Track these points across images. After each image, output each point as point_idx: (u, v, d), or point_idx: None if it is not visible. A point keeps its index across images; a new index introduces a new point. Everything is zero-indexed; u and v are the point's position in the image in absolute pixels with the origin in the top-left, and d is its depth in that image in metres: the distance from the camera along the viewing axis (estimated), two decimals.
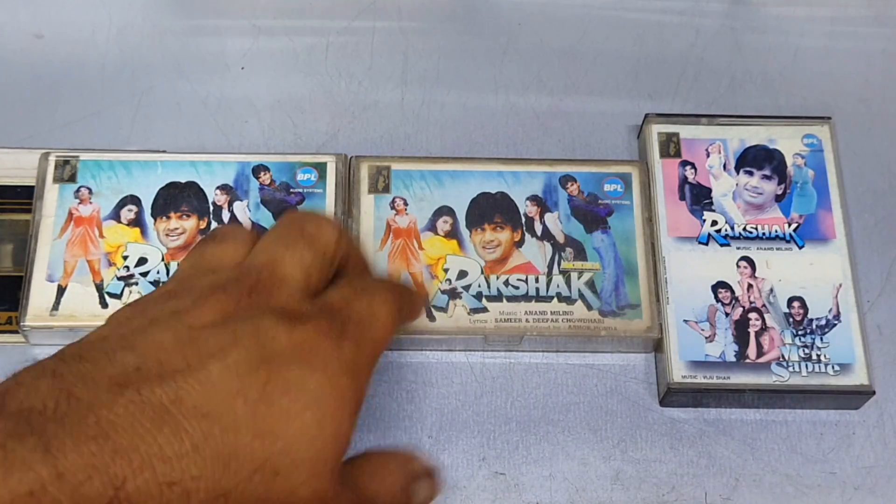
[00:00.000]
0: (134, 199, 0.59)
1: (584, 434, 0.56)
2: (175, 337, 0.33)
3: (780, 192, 0.60)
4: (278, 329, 0.34)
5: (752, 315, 0.57)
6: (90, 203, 0.59)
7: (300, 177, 0.60)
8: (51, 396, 0.31)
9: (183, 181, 0.59)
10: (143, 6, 0.68)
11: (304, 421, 0.33)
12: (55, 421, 0.30)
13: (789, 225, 0.59)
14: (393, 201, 0.59)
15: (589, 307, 0.57)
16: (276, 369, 0.33)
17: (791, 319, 0.57)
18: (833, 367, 0.56)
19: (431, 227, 0.59)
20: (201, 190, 0.59)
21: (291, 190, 0.59)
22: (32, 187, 0.59)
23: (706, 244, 0.59)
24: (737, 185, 0.60)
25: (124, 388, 0.31)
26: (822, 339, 0.56)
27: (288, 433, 0.32)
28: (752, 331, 0.57)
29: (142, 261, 0.57)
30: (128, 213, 0.58)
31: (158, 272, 0.57)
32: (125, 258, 0.57)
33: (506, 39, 0.68)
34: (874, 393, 0.56)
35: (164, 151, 0.61)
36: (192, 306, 0.35)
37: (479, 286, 0.57)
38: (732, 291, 0.57)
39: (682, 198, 0.60)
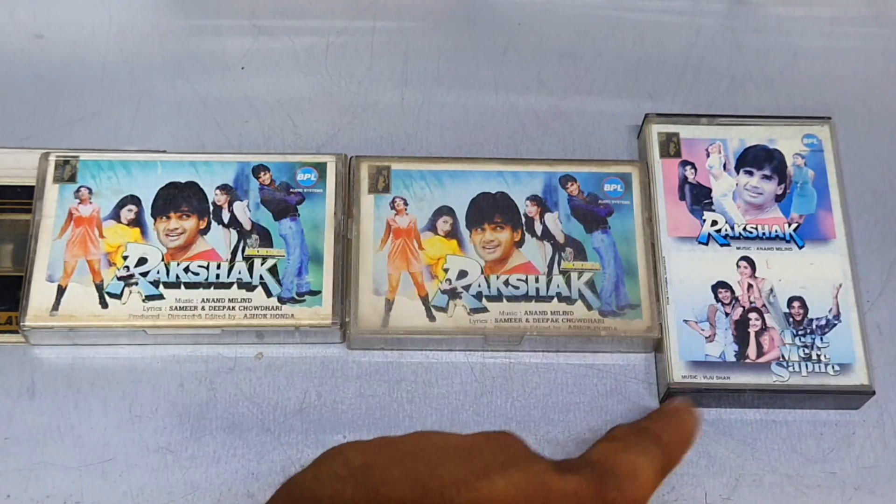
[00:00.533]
0: (134, 199, 0.59)
1: (584, 434, 0.56)
2: (459, 457, 0.37)
3: (780, 192, 0.60)
4: (548, 473, 0.37)
5: (752, 315, 0.57)
6: (90, 203, 0.59)
7: (300, 177, 0.60)
8: (357, 494, 0.35)
9: (183, 181, 0.59)
10: (143, 6, 0.68)
11: None
12: None
13: (789, 225, 0.59)
14: (393, 201, 0.59)
15: (589, 307, 0.57)
16: (551, 500, 0.37)
17: (791, 319, 0.57)
18: (833, 367, 0.56)
19: (431, 227, 0.59)
20: (201, 190, 0.59)
21: (291, 190, 0.59)
22: (32, 187, 0.59)
23: (706, 244, 0.59)
24: (737, 185, 0.60)
25: (427, 490, 0.35)
26: (822, 339, 0.56)
27: None
28: (752, 331, 0.57)
29: (142, 261, 0.57)
30: (128, 213, 0.58)
31: (158, 272, 0.57)
32: (125, 258, 0.57)
33: (506, 39, 0.68)
34: (874, 393, 0.56)
35: (164, 151, 0.61)
36: (471, 449, 0.39)
37: (479, 286, 0.57)
38: (732, 291, 0.57)
39: (682, 198, 0.60)
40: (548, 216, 0.59)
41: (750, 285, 0.58)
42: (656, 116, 0.62)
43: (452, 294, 0.57)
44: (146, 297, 0.56)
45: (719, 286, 0.58)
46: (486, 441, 0.39)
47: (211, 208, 0.59)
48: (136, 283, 0.57)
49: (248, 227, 0.58)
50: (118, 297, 0.56)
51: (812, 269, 0.58)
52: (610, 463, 0.40)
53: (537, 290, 0.57)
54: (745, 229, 0.59)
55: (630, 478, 0.40)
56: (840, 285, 0.58)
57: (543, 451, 0.55)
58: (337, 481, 0.36)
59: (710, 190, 0.60)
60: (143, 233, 0.58)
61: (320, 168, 0.60)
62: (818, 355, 0.56)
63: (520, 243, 0.59)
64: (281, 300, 0.57)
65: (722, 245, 0.59)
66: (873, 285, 0.60)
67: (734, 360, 0.56)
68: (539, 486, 0.37)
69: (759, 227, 0.59)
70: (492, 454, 0.37)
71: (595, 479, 0.38)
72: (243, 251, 0.58)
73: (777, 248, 0.59)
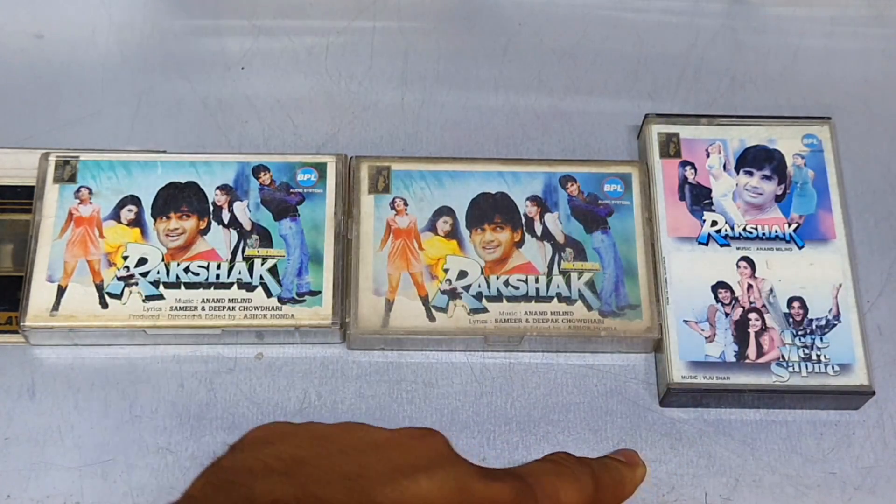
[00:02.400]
0: (134, 200, 0.59)
1: (584, 434, 0.56)
2: (386, 455, 0.38)
3: (780, 193, 0.60)
4: (471, 476, 0.38)
5: (752, 315, 0.57)
6: (90, 203, 0.59)
7: (300, 177, 0.60)
8: (289, 491, 0.35)
9: (183, 181, 0.59)
10: (143, 6, 0.68)
11: None
12: None
13: (789, 225, 0.59)
14: (393, 201, 0.59)
15: (589, 307, 0.57)
16: (472, 502, 0.37)
17: (791, 319, 0.57)
18: (833, 368, 0.56)
19: (431, 227, 0.59)
20: (201, 190, 0.59)
21: (291, 190, 0.59)
22: (32, 187, 0.59)
23: (706, 244, 0.59)
24: (737, 185, 0.60)
25: (354, 488, 0.36)
26: (821, 339, 0.56)
27: None
28: (752, 331, 0.57)
29: (142, 261, 0.57)
30: (128, 213, 0.58)
31: (158, 272, 0.57)
32: (125, 258, 0.57)
33: (506, 39, 0.68)
34: (874, 393, 0.56)
35: (164, 151, 0.61)
36: (398, 446, 0.39)
37: (479, 286, 0.57)
38: (732, 291, 0.57)
39: (682, 198, 0.60)
40: (548, 216, 0.59)
41: (750, 285, 0.58)
42: (656, 116, 0.62)
43: (452, 294, 0.57)
44: (146, 297, 0.56)
45: (719, 286, 0.58)
46: (412, 439, 0.39)
47: (211, 208, 0.59)
48: (136, 284, 0.57)
49: (248, 227, 0.58)
50: (118, 297, 0.56)
51: (812, 270, 0.58)
52: (534, 480, 0.40)
53: (537, 290, 0.57)
54: (744, 229, 0.59)
55: (549, 498, 0.40)
56: (840, 285, 0.58)
57: (543, 451, 0.55)
58: (269, 476, 0.36)
59: (710, 190, 0.60)
60: (143, 233, 0.58)
61: (320, 168, 0.60)
62: (818, 355, 0.56)
63: (520, 243, 0.59)
64: (281, 300, 0.57)
65: (722, 245, 0.59)
66: (873, 285, 0.60)
67: (734, 360, 0.56)
68: (461, 489, 0.37)
69: (759, 228, 0.59)
70: (417, 453, 0.38)
71: (515, 490, 0.39)
72: (243, 251, 0.58)
73: (777, 249, 0.59)
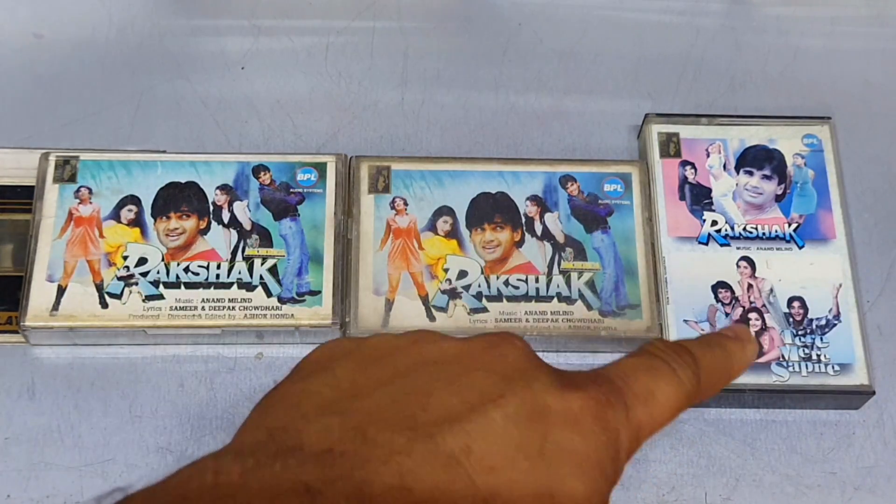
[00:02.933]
0: (134, 199, 0.59)
1: None
2: (453, 379, 0.33)
3: (780, 192, 0.60)
4: (549, 391, 0.33)
5: (752, 315, 0.57)
6: (90, 203, 0.59)
7: (300, 177, 0.60)
8: (345, 436, 0.30)
9: (183, 181, 0.59)
10: (143, 6, 0.68)
11: (575, 486, 0.32)
12: (355, 464, 0.30)
13: (789, 225, 0.59)
14: (393, 201, 0.59)
15: (589, 307, 0.57)
16: (550, 428, 0.32)
17: (791, 319, 0.57)
18: (833, 367, 0.56)
19: (431, 227, 0.59)
20: (201, 190, 0.59)
21: (291, 190, 0.59)
22: (32, 187, 0.59)
23: (706, 244, 0.59)
24: (737, 185, 0.60)
25: (416, 429, 0.31)
26: (822, 339, 0.56)
27: (562, 495, 0.32)
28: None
29: (142, 261, 0.57)
30: (128, 213, 0.58)
31: (158, 272, 0.57)
32: (125, 258, 0.57)
33: (506, 39, 0.68)
34: (874, 393, 0.56)
35: (164, 151, 0.61)
36: (466, 365, 0.34)
37: (479, 286, 0.57)
38: (732, 291, 0.57)
39: (682, 198, 0.60)
40: (548, 216, 0.59)
41: (750, 285, 0.58)
42: (656, 116, 0.62)
43: (452, 294, 0.57)
44: (146, 297, 0.56)
45: (719, 286, 0.58)
46: (483, 352, 0.34)
47: (211, 208, 0.59)
48: (136, 283, 0.57)
49: (248, 227, 0.58)
50: (118, 297, 0.56)
51: (812, 269, 0.58)
52: (623, 381, 0.35)
53: (537, 290, 0.57)
54: (745, 229, 0.59)
55: (643, 401, 0.34)
56: (840, 285, 0.58)
57: None
58: (321, 416, 0.32)
59: (710, 190, 0.60)
60: (143, 233, 0.58)
61: (320, 168, 0.60)
62: (818, 355, 0.56)
63: (520, 243, 0.59)
64: (281, 300, 0.57)
65: (722, 245, 0.59)
66: (873, 285, 0.60)
67: None
68: (537, 413, 0.32)
69: (759, 227, 0.59)
70: (488, 372, 0.33)
71: (599, 398, 0.33)
72: (243, 251, 0.58)
73: (777, 248, 0.59)
